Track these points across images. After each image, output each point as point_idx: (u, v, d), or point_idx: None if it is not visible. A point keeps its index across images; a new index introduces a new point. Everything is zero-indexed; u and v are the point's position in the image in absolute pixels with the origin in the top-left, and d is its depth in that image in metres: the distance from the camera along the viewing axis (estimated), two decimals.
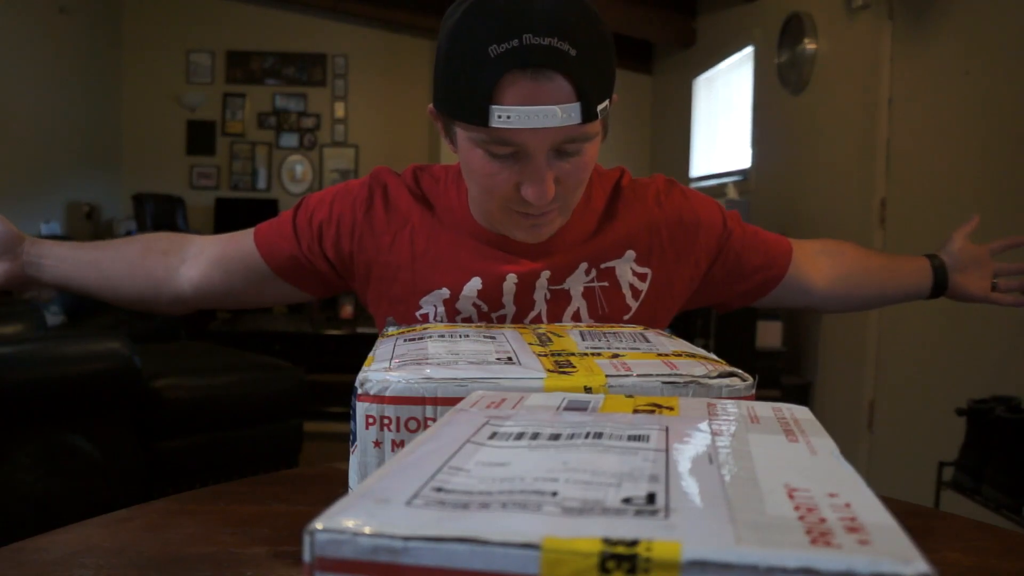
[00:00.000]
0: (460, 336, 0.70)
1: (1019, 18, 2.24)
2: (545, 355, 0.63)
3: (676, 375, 0.57)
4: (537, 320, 0.95)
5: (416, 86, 6.53)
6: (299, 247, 0.98)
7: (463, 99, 0.80)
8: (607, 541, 0.24)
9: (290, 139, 6.62)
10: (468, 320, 0.94)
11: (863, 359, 2.95)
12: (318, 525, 0.25)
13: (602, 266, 0.96)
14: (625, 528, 0.25)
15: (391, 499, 0.27)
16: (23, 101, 4.79)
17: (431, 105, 0.89)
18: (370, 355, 0.63)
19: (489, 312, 0.94)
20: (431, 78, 0.95)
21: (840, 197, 3.18)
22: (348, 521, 0.25)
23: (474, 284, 0.94)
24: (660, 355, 0.63)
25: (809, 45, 3.40)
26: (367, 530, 0.25)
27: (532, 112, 0.77)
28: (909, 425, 2.73)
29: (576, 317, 0.95)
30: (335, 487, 0.71)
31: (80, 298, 4.28)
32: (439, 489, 0.29)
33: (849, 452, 0.49)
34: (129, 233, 5.83)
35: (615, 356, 0.63)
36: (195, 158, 6.58)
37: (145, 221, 5.67)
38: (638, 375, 0.57)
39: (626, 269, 0.97)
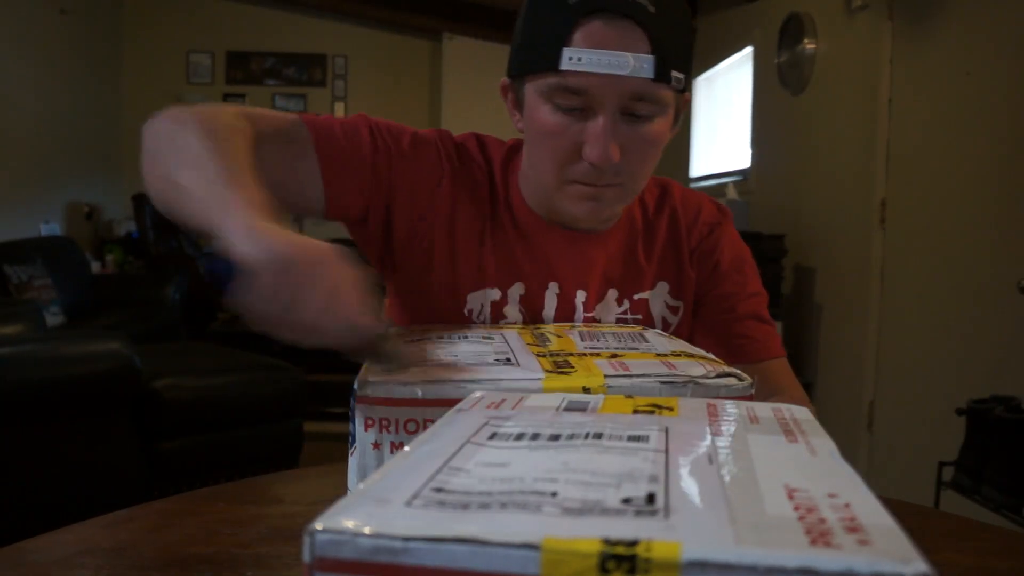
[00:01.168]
0: (459, 338, 0.70)
1: (1019, 18, 2.24)
2: (544, 355, 0.63)
3: (674, 375, 0.57)
4: None
5: (416, 86, 6.53)
6: (372, 150, 0.85)
7: (537, 47, 0.78)
8: (607, 541, 0.24)
9: None
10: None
11: (863, 359, 2.95)
12: (318, 525, 0.25)
13: (635, 297, 0.93)
14: (625, 528, 0.25)
15: (391, 499, 0.27)
16: (23, 101, 4.79)
17: (504, 79, 0.86)
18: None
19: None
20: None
21: (840, 197, 3.18)
22: (348, 521, 0.25)
23: (517, 289, 0.90)
24: (659, 355, 0.63)
25: (809, 45, 3.40)
26: (367, 530, 0.25)
27: (604, 56, 0.74)
28: (909, 425, 2.73)
29: None
30: (335, 487, 0.71)
31: (80, 298, 4.28)
32: (439, 489, 0.29)
33: (849, 452, 0.49)
34: (130, 234, 5.84)
35: (613, 356, 0.63)
36: None
37: (145, 221, 5.67)
38: (636, 375, 0.57)
39: (659, 302, 0.94)
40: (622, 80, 0.75)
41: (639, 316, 0.93)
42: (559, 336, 0.73)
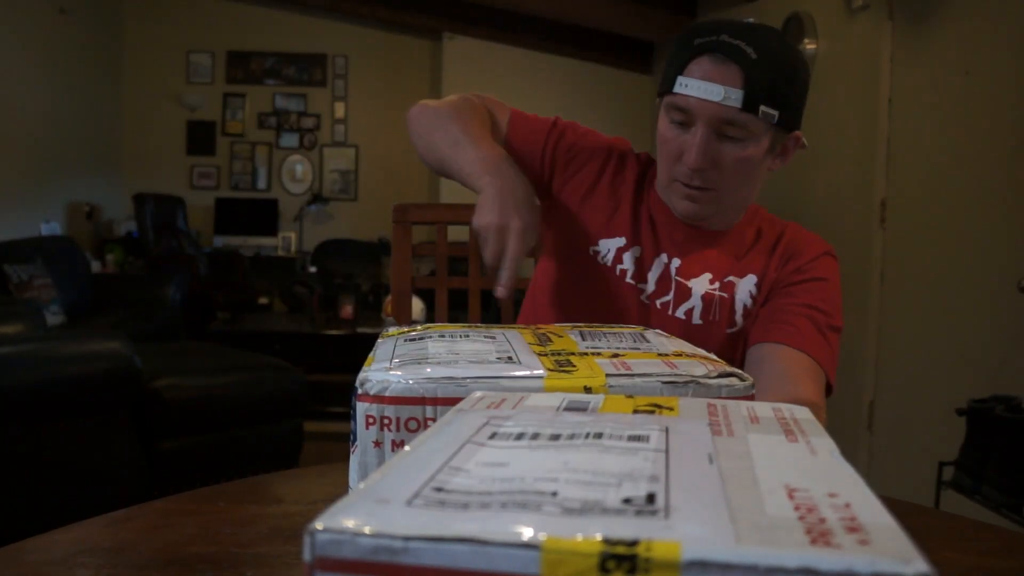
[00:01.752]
0: (460, 336, 0.70)
1: (1019, 18, 2.24)
2: (545, 354, 0.63)
3: (676, 375, 0.57)
4: (666, 307, 1.09)
5: (416, 86, 6.53)
6: (543, 149, 1.14)
7: (666, 73, 1.02)
8: (607, 541, 0.24)
9: (290, 139, 6.63)
10: (624, 274, 1.11)
11: (863, 359, 2.95)
12: (318, 525, 0.25)
13: (725, 279, 1.09)
14: (625, 528, 0.25)
15: (391, 499, 0.27)
16: (23, 101, 4.80)
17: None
18: (370, 355, 0.63)
19: (636, 281, 1.10)
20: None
21: (840, 197, 3.18)
22: (348, 521, 0.25)
23: (635, 251, 1.11)
24: (660, 355, 0.63)
25: (809, 45, 3.40)
26: (367, 530, 0.25)
27: (704, 86, 0.96)
28: (909, 425, 2.73)
29: (688, 315, 1.09)
30: (335, 487, 0.71)
31: (80, 298, 4.28)
32: (439, 489, 0.29)
33: (849, 452, 0.49)
34: (130, 234, 5.85)
35: (615, 356, 0.63)
36: (195, 158, 6.59)
37: (145, 221, 5.67)
38: (638, 374, 0.57)
39: (744, 289, 1.09)
40: (716, 106, 0.96)
41: (725, 295, 1.09)
42: (560, 336, 0.73)
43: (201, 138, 6.56)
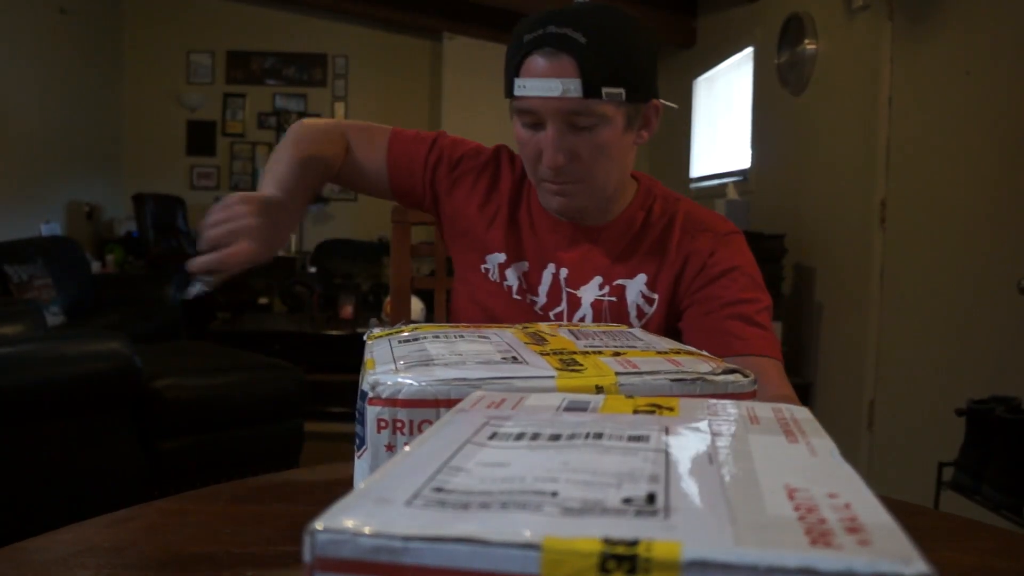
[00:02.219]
0: (455, 336, 0.70)
1: (1019, 18, 2.24)
2: (547, 354, 0.62)
3: (683, 372, 0.57)
4: (559, 317, 1.07)
5: (416, 86, 6.53)
6: (423, 178, 1.14)
7: (506, 77, 1.00)
8: (607, 541, 0.24)
9: None
10: (510, 291, 1.10)
11: (863, 359, 2.95)
12: (318, 525, 0.25)
13: (615, 283, 1.07)
14: (625, 528, 0.25)
15: (391, 499, 0.27)
16: (23, 101, 4.79)
17: None
18: (369, 358, 0.63)
19: (526, 293, 1.10)
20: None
21: (840, 197, 3.18)
22: (348, 521, 0.25)
23: (521, 266, 1.10)
24: (660, 353, 0.63)
25: (809, 45, 3.40)
26: (367, 530, 0.25)
27: (541, 83, 0.95)
28: (909, 425, 2.73)
29: (581, 324, 1.01)
30: (335, 487, 0.71)
31: (80, 298, 4.28)
32: (439, 489, 0.29)
33: (849, 452, 0.49)
34: (130, 234, 5.84)
35: (617, 354, 0.63)
36: (195, 158, 6.59)
37: (145, 221, 5.67)
38: (646, 372, 0.57)
39: (635, 290, 1.06)
40: (557, 101, 0.95)
41: (614, 299, 1.07)
42: (552, 335, 0.73)
43: (201, 138, 6.56)
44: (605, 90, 0.94)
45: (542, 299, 1.09)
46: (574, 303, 1.07)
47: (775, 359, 1.00)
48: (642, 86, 0.99)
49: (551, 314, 1.08)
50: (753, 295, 1.04)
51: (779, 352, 1.02)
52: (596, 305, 1.06)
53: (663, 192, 1.12)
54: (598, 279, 1.07)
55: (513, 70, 0.97)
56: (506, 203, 1.12)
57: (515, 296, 1.10)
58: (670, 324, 1.07)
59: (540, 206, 1.11)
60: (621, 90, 0.95)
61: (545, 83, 0.94)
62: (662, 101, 1.05)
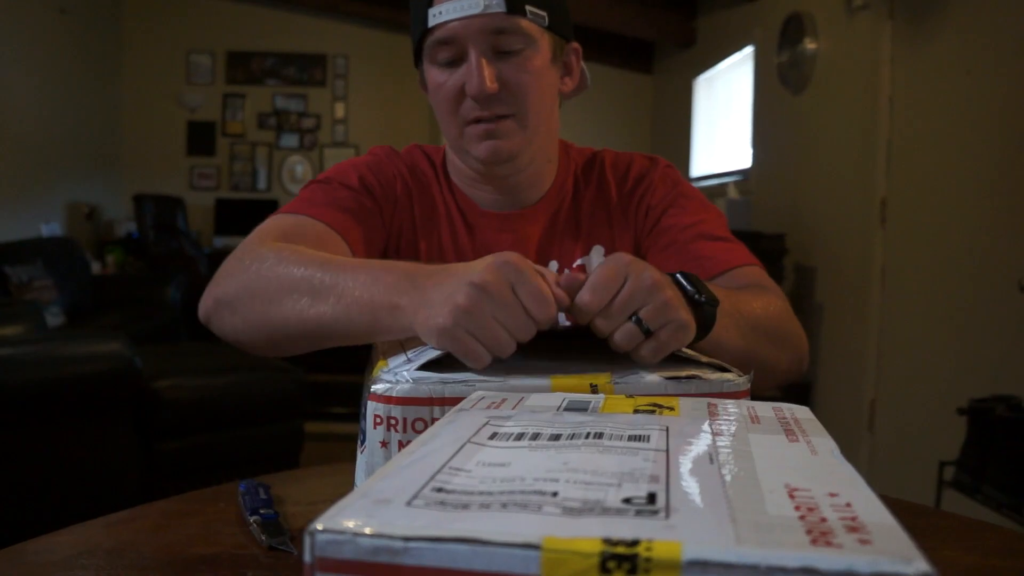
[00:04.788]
0: None
1: (1019, 18, 2.24)
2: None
3: (677, 371, 0.57)
4: None
5: (416, 86, 6.52)
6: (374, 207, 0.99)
7: (414, 18, 0.92)
8: (607, 541, 0.24)
9: (290, 139, 6.62)
10: None
11: (864, 358, 2.95)
12: (318, 525, 0.25)
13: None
14: (625, 528, 0.25)
15: (392, 499, 0.27)
16: (23, 101, 4.79)
17: (418, 78, 0.99)
18: (381, 358, 0.63)
19: None
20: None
21: (840, 197, 3.18)
22: (348, 521, 0.25)
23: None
24: None
25: (809, 45, 3.40)
26: (367, 530, 0.25)
27: (459, 3, 0.87)
28: (909, 425, 2.73)
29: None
30: (336, 487, 0.71)
31: (80, 298, 4.28)
32: (439, 489, 0.29)
33: (849, 452, 0.49)
34: (130, 235, 5.84)
35: None
36: (195, 159, 6.58)
37: (145, 222, 5.67)
38: (641, 372, 0.57)
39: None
40: (480, 18, 0.87)
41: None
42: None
43: (201, 138, 6.55)
44: (529, 8, 0.88)
45: None
46: None
47: (754, 264, 0.97)
48: (563, 19, 0.94)
49: None
50: (702, 214, 1.00)
51: (752, 256, 0.98)
52: None
53: (578, 150, 1.07)
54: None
55: (425, 4, 0.89)
56: (439, 205, 1.02)
57: None
58: None
59: (463, 196, 1.02)
60: (544, 13, 0.90)
61: (464, 2, 0.87)
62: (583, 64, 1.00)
